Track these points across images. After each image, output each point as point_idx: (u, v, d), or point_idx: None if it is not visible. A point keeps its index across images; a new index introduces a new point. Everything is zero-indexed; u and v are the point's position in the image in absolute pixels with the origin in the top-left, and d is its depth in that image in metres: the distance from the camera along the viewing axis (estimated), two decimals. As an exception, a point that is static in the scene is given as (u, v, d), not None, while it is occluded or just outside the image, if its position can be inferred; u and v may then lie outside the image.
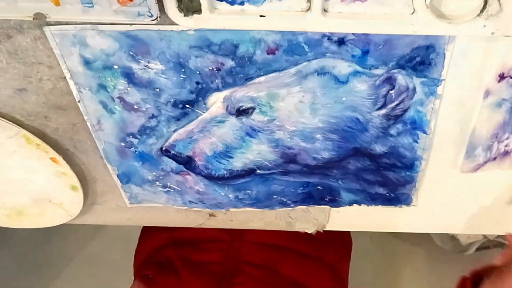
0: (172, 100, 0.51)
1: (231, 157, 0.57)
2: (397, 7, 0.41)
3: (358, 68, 0.47)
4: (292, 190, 0.62)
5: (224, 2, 0.42)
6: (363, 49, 0.45)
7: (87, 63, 0.49)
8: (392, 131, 0.53)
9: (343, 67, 0.47)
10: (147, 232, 0.88)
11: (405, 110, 0.51)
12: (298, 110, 0.51)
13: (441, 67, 0.46)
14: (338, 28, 0.43)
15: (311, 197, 0.64)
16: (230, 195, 0.63)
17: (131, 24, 0.45)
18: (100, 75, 0.50)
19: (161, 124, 0.54)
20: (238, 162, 0.57)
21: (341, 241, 0.87)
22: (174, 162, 0.59)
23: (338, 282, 0.82)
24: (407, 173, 0.58)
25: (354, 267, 1.47)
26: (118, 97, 0.52)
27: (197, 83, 0.50)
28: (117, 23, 0.44)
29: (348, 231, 0.92)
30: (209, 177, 0.60)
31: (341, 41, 0.45)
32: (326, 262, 0.81)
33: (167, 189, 0.63)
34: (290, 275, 0.77)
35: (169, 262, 0.78)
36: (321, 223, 0.69)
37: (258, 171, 0.59)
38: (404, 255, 1.49)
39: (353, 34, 0.44)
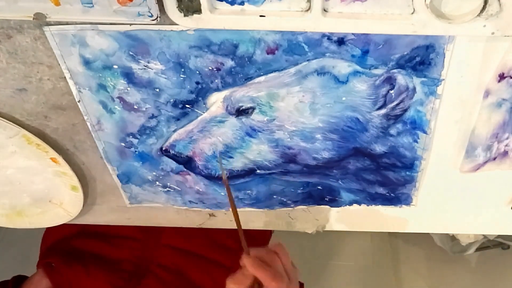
0: (172, 100, 0.51)
1: (231, 157, 0.57)
2: (397, 7, 0.41)
3: (358, 68, 0.47)
4: (292, 190, 0.62)
5: (224, 2, 0.42)
6: (363, 49, 0.45)
7: (87, 63, 0.49)
8: (392, 131, 0.53)
9: (343, 67, 0.47)
10: None
11: (405, 110, 0.51)
12: (298, 110, 0.51)
13: (441, 67, 0.46)
14: (338, 28, 0.43)
15: (311, 197, 0.64)
16: (230, 195, 0.63)
17: (131, 24, 0.45)
18: (100, 75, 0.50)
19: (161, 124, 0.54)
20: (238, 162, 0.57)
21: None
22: (174, 162, 0.59)
23: None
24: (407, 173, 0.58)
25: (354, 267, 1.48)
26: (118, 97, 0.52)
27: (197, 83, 0.50)
28: (117, 23, 0.44)
29: (267, 242, 0.93)
30: (209, 177, 0.60)
31: (341, 41, 0.45)
32: None
33: (167, 189, 0.63)
34: (200, 283, 0.77)
35: (76, 252, 0.76)
36: (321, 223, 0.69)
37: (258, 171, 0.59)
38: (404, 255, 1.49)
39: (353, 34, 0.44)
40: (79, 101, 0.53)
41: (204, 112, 0.53)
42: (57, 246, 0.79)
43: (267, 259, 0.51)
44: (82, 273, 0.73)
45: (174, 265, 0.77)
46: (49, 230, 0.84)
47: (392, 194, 0.61)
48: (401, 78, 0.48)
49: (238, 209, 0.66)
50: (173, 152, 0.56)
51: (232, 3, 0.42)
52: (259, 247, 0.52)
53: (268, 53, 0.46)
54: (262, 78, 0.48)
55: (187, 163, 0.58)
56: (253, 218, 0.69)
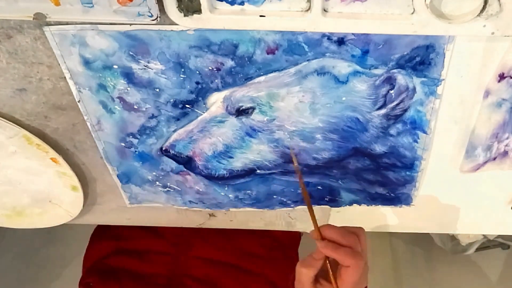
0: (172, 100, 0.51)
1: (231, 157, 0.57)
2: (397, 7, 0.41)
3: (358, 68, 0.47)
4: (292, 190, 0.62)
5: (224, 2, 0.42)
6: (363, 49, 0.45)
7: (87, 63, 0.49)
8: (392, 131, 0.53)
9: (343, 67, 0.47)
10: (95, 240, 0.88)
11: (405, 110, 0.51)
12: (298, 110, 0.51)
13: (441, 67, 0.46)
14: (338, 28, 0.43)
15: (311, 197, 0.64)
16: (230, 195, 0.63)
17: (131, 24, 0.45)
18: (100, 75, 0.50)
19: (161, 124, 0.54)
20: (238, 162, 0.57)
21: (285, 257, 0.87)
22: (174, 162, 0.59)
23: None
24: (407, 173, 0.58)
25: (354, 267, 1.47)
26: (118, 97, 0.52)
27: (197, 83, 0.50)
28: (117, 23, 0.44)
29: (296, 246, 0.93)
30: (209, 177, 0.60)
31: (341, 41, 0.45)
32: (268, 279, 0.82)
33: (167, 189, 0.63)
34: None
35: (112, 271, 0.78)
36: (321, 223, 0.69)
37: (258, 171, 0.59)
38: (404, 255, 1.49)
39: (353, 34, 0.44)
40: (79, 101, 0.53)
41: (204, 112, 0.53)
42: (95, 266, 0.82)
43: (344, 241, 0.50)
44: None
45: (205, 276, 0.78)
46: (88, 252, 0.88)
47: (392, 194, 0.61)
48: (401, 78, 0.48)
49: (237, 209, 0.66)
50: (173, 152, 0.56)
51: (232, 3, 0.42)
52: (336, 227, 0.51)
53: (268, 53, 0.46)
54: (262, 78, 0.48)
55: (187, 163, 0.58)
56: (253, 218, 0.69)
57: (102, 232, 0.88)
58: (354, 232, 0.51)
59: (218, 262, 0.81)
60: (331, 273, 0.50)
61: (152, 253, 0.81)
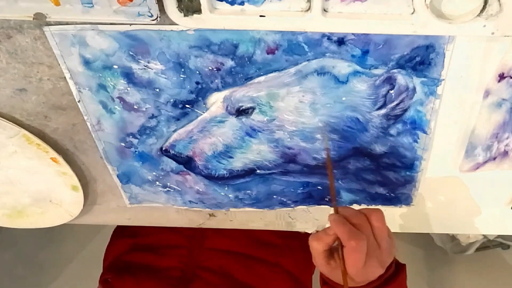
0: (172, 100, 0.51)
1: (231, 157, 0.57)
2: (397, 7, 0.41)
3: (358, 68, 0.47)
4: (292, 190, 0.62)
5: (224, 2, 0.42)
6: (363, 49, 0.45)
7: (87, 63, 0.49)
8: (392, 131, 0.53)
9: (343, 67, 0.47)
10: (114, 238, 0.89)
11: (405, 110, 0.51)
12: (298, 110, 0.51)
13: (441, 67, 0.46)
14: (338, 28, 0.43)
15: (311, 197, 0.64)
16: (230, 195, 0.63)
17: (131, 24, 0.45)
18: (100, 75, 0.50)
19: (161, 124, 0.54)
20: (238, 162, 0.57)
21: (302, 247, 0.86)
22: (174, 162, 0.59)
23: None
24: (407, 173, 0.58)
25: (354, 267, 1.47)
26: (118, 97, 0.52)
27: (197, 83, 0.50)
28: (117, 23, 0.44)
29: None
30: (209, 177, 0.60)
31: (341, 41, 0.45)
32: (285, 268, 0.81)
33: (167, 189, 0.63)
34: (247, 281, 0.77)
35: (128, 266, 0.79)
36: (321, 223, 0.69)
37: (258, 171, 0.59)
38: (404, 255, 1.48)
39: (353, 34, 0.44)
40: (79, 101, 0.53)
41: (204, 112, 0.53)
42: (113, 264, 0.83)
43: (354, 220, 0.47)
44: (133, 284, 0.76)
45: (219, 267, 0.78)
46: (107, 251, 0.89)
47: (392, 194, 0.61)
48: (401, 78, 0.48)
49: (237, 209, 0.66)
50: (173, 152, 0.56)
51: (232, 3, 0.42)
52: (350, 207, 0.50)
53: (268, 53, 0.46)
54: (262, 78, 0.48)
55: (187, 163, 0.58)
56: (253, 218, 0.69)
57: (121, 231, 0.88)
58: (365, 213, 0.49)
59: (233, 252, 0.80)
60: (339, 251, 0.47)
61: (167, 247, 0.81)
